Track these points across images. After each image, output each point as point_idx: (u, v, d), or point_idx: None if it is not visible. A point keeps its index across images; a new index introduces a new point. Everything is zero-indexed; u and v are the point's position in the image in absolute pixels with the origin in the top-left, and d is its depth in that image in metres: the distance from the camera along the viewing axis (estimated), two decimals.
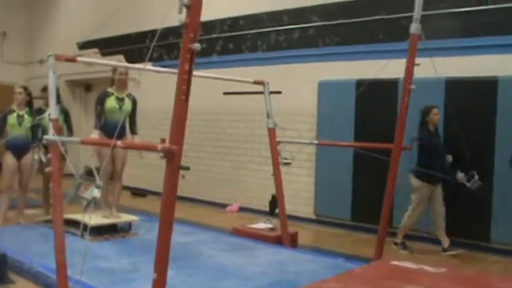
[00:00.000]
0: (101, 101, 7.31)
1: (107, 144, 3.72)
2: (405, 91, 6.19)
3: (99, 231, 7.05)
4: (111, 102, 7.31)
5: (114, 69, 7.45)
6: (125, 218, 7.60)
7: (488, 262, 7.23)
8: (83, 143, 4.75)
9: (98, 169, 3.96)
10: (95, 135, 7.15)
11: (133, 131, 7.59)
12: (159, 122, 11.47)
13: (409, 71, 6.15)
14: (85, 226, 5.35)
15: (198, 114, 10.98)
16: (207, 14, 10.79)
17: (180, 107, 3.47)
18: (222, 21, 11.34)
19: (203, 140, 11.57)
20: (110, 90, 7.43)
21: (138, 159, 9.50)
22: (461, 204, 7.68)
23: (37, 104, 8.59)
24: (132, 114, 7.54)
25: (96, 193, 3.75)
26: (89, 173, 6.50)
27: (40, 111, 7.91)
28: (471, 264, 7.14)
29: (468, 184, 6.52)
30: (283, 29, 10.32)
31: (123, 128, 7.04)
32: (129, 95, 7.54)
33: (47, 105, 7.29)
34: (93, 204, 3.87)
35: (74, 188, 4.08)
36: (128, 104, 7.43)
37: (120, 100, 7.38)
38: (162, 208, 3.66)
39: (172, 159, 3.51)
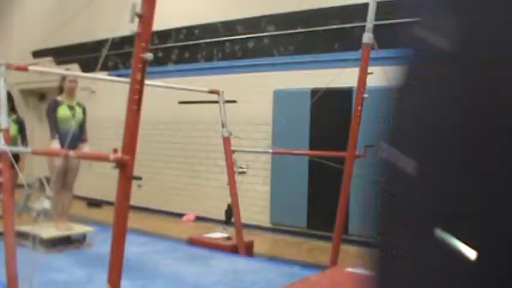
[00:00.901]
0: (53, 110, 7.16)
1: (60, 155, 3.66)
2: (358, 100, 6.26)
3: (53, 243, 6.93)
4: (63, 111, 7.17)
5: (63, 77, 7.32)
6: (79, 229, 7.49)
7: None
8: (35, 153, 4.69)
9: (48, 179, 3.90)
10: (55, 144, 6.83)
11: (83, 139, 7.44)
12: (114, 132, 11.36)
13: (362, 80, 6.23)
14: (37, 238, 5.26)
15: (154, 123, 10.94)
16: (163, 23, 10.82)
17: (132, 117, 3.46)
18: (177, 30, 11.33)
19: (159, 149, 11.52)
20: (59, 98, 7.26)
21: (93, 169, 9.39)
22: None
23: None
24: (83, 123, 7.42)
25: (46, 204, 3.70)
26: (42, 184, 6.39)
27: None
28: None
29: None
30: (238, 38, 10.37)
31: (75, 136, 6.90)
32: (79, 103, 7.42)
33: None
34: (44, 216, 3.81)
35: (23, 199, 4.01)
36: (79, 112, 7.31)
37: (71, 108, 7.26)
38: (115, 219, 3.64)
39: (125, 169, 3.49)
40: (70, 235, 7.25)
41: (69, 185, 7.44)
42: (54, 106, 7.16)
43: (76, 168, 7.44)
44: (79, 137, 7.20)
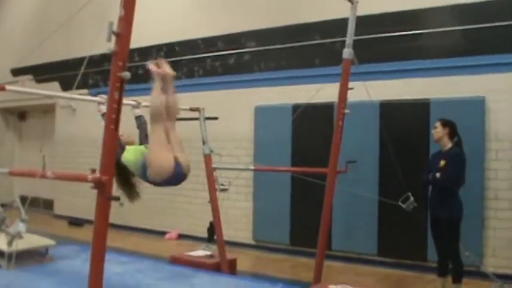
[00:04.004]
0: None
1: (33, 175, 3.59)
2: (339, 115, 6.25)
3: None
4: None
5: None
6: (41, 241, 7.19)
7: (425, 282, 7.34)
8: (11, 174, 4.61)
9: (24, 201, 3.82)
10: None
11: None
12: (94, 150, 11.27)
13: (343, 95, 6.22)
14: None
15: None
16: (143, 40, 10.81)
17: (109, 137, 3.40)
18: (157, 47, 11.30)
19: None
20: None
21: (75, 187, 9.29)
22: (397, 225, 7.81)
23: None
24: None
25: (22, 227, 3.62)
26: (23, 203, 6.22)
27: None
28: (408, 284, 7.25)
29: (404, 205, 6.62)
30: (219, 55, 10.36)
31: None
32: None
33: None
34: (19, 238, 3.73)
35: None
36: None
37: None
38: (93, 239, 3.57)
39: (103, 189, 3.43)
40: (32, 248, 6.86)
41: None
42: None
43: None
44: None
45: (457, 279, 6.17)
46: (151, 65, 4.17)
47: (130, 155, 4.35)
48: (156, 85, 4.17)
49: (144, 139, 4.73)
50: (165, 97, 4.18)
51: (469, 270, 6.79)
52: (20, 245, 6.76)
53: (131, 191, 4.90)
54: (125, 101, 3.60)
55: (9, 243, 3.72)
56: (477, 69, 7.62)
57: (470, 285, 6.84)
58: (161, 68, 4.22)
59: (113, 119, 3.36)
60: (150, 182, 4.16)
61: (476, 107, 7.49)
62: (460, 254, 6.19)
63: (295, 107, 8.61)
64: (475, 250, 7.04)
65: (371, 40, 8.32)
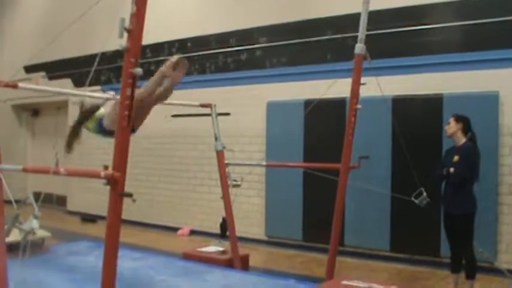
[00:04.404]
0: None
1: (46, 172, 3.60)
2: (351, 111, 6.23)
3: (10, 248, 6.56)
4: None
5: None
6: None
7: (438, 278, 7.31)
8: (25, 171, 4.61)
9: (38, 197, 3.83)
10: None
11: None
12: (107, 147, 11.31)
13: (355, 90, 6.20)
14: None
15: (148, 137, 10.90)
16: (155, 36, 10.83)
17: (122, 133, 3.40)
18: (170, 44, 11.31)
19: (153, 163, 11.46)
20: None
21: (88, 183, 9.31)
22: (410, 220, 7.79)
23: None
24: None
25: (35, 224, 3.63)
26: (36, 199, 6.21)
27: None
28: (421, 280, 7.22)
29: (416, 201, 6.59)
30: (231, 51, 10.35)
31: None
32: None
33: None
34: (32, 235, 3.74)
35: (11, 219, 3.94)
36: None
37: None
38: (106, 235, 3.58)
39: (116, 186, 3.44)
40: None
41: None
42: None
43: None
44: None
45: (470, 275, 6.13)
46: (169, 64, 4.24)
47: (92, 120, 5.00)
48: (153, 82, 4.31)
49: None
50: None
51: (483, 266, 6.76)
52: (16, 236, 6.67)
53: (72, 142, 5.51)
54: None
55: (23, 240, 3.73)
56: (490, 63, 7.56)
57: (483, 281, 6.81)
58: (175, 71, 4.28)
59: (125, 115, 3.36)
60: (105, 133, 4.85)
61: (490, 101, 7.44)
62: (473, 250, 6.16)
63: (307, 103, 8.58)
64: (488, 246, 7.01)
65: (383, 35, 8.28)
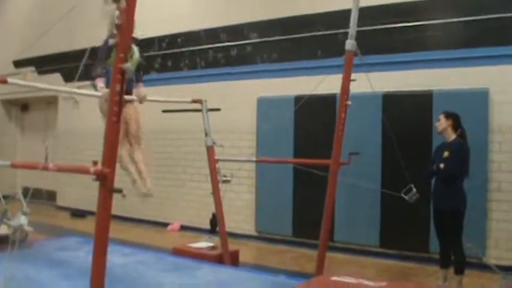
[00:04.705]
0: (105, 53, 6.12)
1: (35, 168, 3.58)
2: (342, 107, 6.23)
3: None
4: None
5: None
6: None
7: (427, 273, 7.35)
8: (14, 166, 4.60)
9: (26, 193, 3.81)
10: (101, 83, 6.20)
11: (139, 80, 6.42)
12: (97, 142, 11.27)
13: (345, 86, 6.20)
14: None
15: None
16: (145, 32, 10.74)
17: (111, 129, 3.39)
18: (160, 39, 11.28)
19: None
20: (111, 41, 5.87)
21: (77, 179, 9.29)
22: (399, 216, 7.81)
23: None
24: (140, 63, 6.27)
25: (23, 220, 3.62)
26: (25, 195, 6.17)
27: None
28: (410, 275, 7.25)
29: (406, 197, 6.61)
30: (221, 46, 10.33)
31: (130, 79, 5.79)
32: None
33: None
34: (20, 232, 3.73)
35: None
36: (136, 52, 5.93)
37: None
38: (96, 231, 3.57)
39: (105, 181, 3.43)
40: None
41: (136, 138, 6.32)
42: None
43: (136, 117, 6.30)
44: (135, 78, 6.29)
45: (459, 271, 6.16)
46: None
47: None
48: None
49: None
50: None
51: (472, 261, 6.80)
52: (4, 230, 6.57)
53: None
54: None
55: (13, 236, 3.72)
56: (480, 60, 7.59)
57: (472, 277, 6.84)
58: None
59: (114, 111, 3.35)
60: None
61: (480, 98, 7.47)
62: (462, 246, 6.18)
63: (298, 99, 8.58)
64: (477, 242, 7.04)
65: (374, 31, 8.28)
